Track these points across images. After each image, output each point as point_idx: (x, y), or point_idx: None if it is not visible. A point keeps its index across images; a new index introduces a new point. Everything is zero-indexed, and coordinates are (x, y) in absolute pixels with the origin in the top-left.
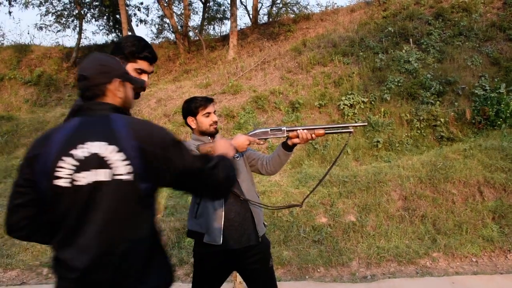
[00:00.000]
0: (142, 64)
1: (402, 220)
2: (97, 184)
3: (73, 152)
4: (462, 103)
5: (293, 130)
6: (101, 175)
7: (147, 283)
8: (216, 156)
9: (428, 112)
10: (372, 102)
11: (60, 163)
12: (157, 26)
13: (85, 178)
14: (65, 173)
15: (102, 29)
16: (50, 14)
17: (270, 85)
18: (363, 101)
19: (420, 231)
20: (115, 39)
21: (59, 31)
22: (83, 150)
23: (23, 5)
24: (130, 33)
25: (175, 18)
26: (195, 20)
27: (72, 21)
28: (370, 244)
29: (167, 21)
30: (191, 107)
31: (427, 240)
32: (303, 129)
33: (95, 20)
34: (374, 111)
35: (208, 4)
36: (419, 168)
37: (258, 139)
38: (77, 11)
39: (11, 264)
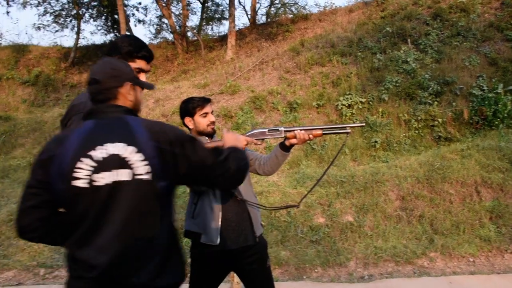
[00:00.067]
0: (141, 64)
1: (399, 220)
2: (117, 184)
3: (91, 153)
4: (459, 103)
5: (290, 131)
6: (122, 175)
7: (163, 281)
8: (227, 148)
9: (426, 112)
10: (370, 102)
11: (78, 164)
12: (155, 26)
13: (104, 178)
14: (83, 173)
15: (100, 29)
16: (48, 14)
17: (268, 85)
18: (361, 101)
19: (417, 231)
20: (113, 39)
21: (57, 31)
22: (102, 151)
23: (21, 5)
24: (128, 33)
25: (173, 18)
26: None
27: (70, 21)
28: (367, 244)
29: (166, 21)
30: (189, 107)
31: (424, 240)
32: (300, 130)
33: (93, 20)
34: (372, 111)
35: (206, 4)
36: (416, 168)
37: (256, 139)
38: (75, 11)
39: (7, 264)
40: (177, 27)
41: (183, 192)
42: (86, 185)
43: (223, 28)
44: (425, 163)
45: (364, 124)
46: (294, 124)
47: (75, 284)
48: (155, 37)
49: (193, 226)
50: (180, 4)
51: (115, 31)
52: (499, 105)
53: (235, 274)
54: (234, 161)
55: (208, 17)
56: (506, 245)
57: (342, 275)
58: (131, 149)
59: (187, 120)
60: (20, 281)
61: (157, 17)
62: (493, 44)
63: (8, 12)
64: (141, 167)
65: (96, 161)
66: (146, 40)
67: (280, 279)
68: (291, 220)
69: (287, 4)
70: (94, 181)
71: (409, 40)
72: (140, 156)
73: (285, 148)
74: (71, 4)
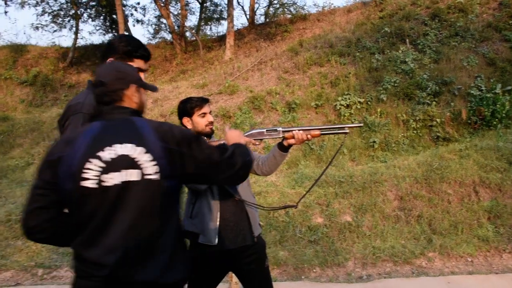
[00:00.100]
0: (139, 63)
1: (398, 220)
2: (126, 184)
3: (100, 154)
4: (458, 104)
5: (288, 131)
6: (132, 175)
7: (170, 277)
8: (231, 145)
9: (424, 113)
10: (369, 103)
11: (87, 165)
12: (154, 26)
13: (113, 178)
14: (92, 174)
15: (99, 29)
16: (46, 14)
17: (266, 85)
18: (359, 102)
19: (415, 231)
20: (109, 40)
21: (55, 31)
22: (110, 152)
23: (19, 4)
24: (125, 33)
25: (172, 18)
26: (192, 20)
27: (69, 21)
28: (366, 244)
29: (164, 21)
30: (187, 107)
31: (422, 240)
32: (298, 130)
33: (92, 20)
34: (371, 112)
35: (205, 4)
36: (415, 168)
37: (254, 139)
38: (73, 11)
39: (5, 265)
40: (176, 27)
41: (181, 192)
42: (95, 186)
43: (222, 28)
44: (423, 163)
45: (362, 125)
46: (292, 124)
47: (83, 284)
48: (153, 37)
49: (191, 226)
50: (179, 4)
51: (114, 31)
52: (497, 105)
53: (233, 274)
54: (239, 157)
55: (206, 17)
56: (504, 245)
57: (340, 275)
58: (140, 149)
59: (185, 120)
60: (18, 282)
61: (155, 17)
62: (491, 45)
63: (6, 12)
64: (150, 167)
65: (104, 162)
66: (144, 40)
67: (278, 279)
68: (289, 220)
69: (286, 4)
70: (103, 181)
71: (407, 40)
72: (148, 157)
73: (283, 148)
74: (69, 4)
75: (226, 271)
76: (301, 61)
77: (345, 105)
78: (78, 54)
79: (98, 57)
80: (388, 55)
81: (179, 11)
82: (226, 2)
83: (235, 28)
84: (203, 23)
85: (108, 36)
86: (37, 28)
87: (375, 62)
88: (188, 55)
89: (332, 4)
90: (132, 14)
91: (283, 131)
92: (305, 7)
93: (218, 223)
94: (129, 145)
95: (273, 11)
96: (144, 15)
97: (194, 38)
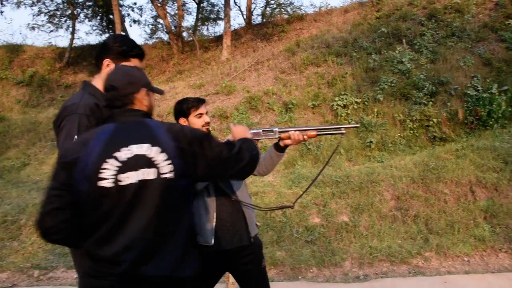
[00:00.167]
0: (135, 62)
1: (394, 220)
2: (143, 183)
3: (117, 154)
4: (454, 104)
5: (285, 131)
6: (149, 174)
7: (182, 272)
8: (238, 140)
9: (421, 113)
10: (365, 103)
11: (104, 165)
12: (150, 26)
13: (130, 178)
14: (109, 174)
15: (96, 29)
16: (42, 14)
17: (263, 85)
18: (356, 102)
19: (412, 231)
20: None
21: (51, 31)
22: (126, 152)
23: (15, 4)
24: (120, 34)
25: (168, 18)
26: (189, 20)
27: (65, 21)
28: (362, 244)
29: (161, 21)
30: (183, 108)
31: (419, 240)
32: (295, 130)
33: (88, 20)
34: (367, 112)
35: (201, 4)
36: (411, 168)
37: None
38: (70, 11)
39: (1, 266)
40: (173, 28)
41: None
42: (112, 185)
43: (219, 28)
44: (420, 163)
45: (358, 125)
46: (289, 125)
47: (96, 284)
48: (150, 37)
49: None
50: (176, 4)
51: (110, 31)
52: (494, 105)
53: (230, 275)
54: (246, 152)
55: (203, 18)
56: (500, 244)
57: (337, 275)
58: (156, 149)
59: (182, 121)
60: (14, 283)
61: (152, 17)
62: (488, 45)
63: (2, 12)
64: (165, 166)
65: (121, 162)
66: (141, 40)
67: (275, 279)
68: (286, 220)
69: (283, 5)
70: (120, 180)
71: (404, 40)
72: (164, 156)
73: (280, 148)
74: (65, 4)
75: (223, 271)
76: (298, 61)
77: (342, 105)
78: (74, 54)
79: (94, 57)
80: (385, 55)
81: (176, 11)
82: (223, 2)
83: (232, 28)
84: (200, 23)
85: (104, 37)
86: (33, 28)
87: (372, 62)
88: (185, 55)
89: (329, 4)
90: (129, 14)
91: (279, 132)
92: (302, 7)
93: (214, 223)
94: (145, 145)
95: (270, 11)
96: (141, 15)
97: (191, 38)
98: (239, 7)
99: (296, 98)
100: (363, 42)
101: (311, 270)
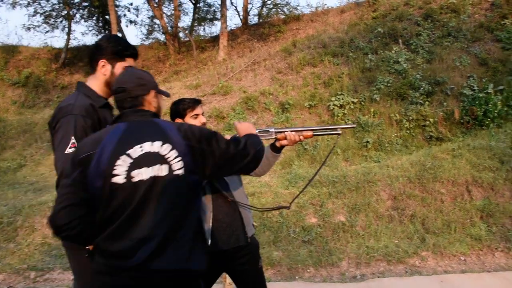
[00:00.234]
0: (130, 62)
1: (391, 219)
2: (155, 179)
3: (130, 151)
4: (450, 103)
5: (281, 132)
6: (161, 170)
7: (192, 266)
8: (243, 136)
9: (417, 112)
10: (362, 103)
11: (117, 162)
12: (147, 27)
13: (142, 174)
14: (122, 170)
15: (92, 30)
16: (38, 15)
17: (260, 85)
18: (352, 102)
19: (409, 230)
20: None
21: (47, 31)
22: (139, 150)
23: (10, 5)
24: (119, 34)
25: (165, 19)
26: (185, 21)
27: (61, 21)
28: (359, 244)
29: (157, 22)
30: (179, 108)
31: (416, 240)
32: (291, 131)
33: (84, 21)
34: (364, 112)
35: (198, 5)
36: (408, 168)
37: None
38: (65, 12)
39: None
40: (169, 28)
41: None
42: (125, 181)
43: (215, 28)
44: (416, 162)
45: (355, 126)
46: (286, 125)
47: (109, 280)
48: (146, 37)
49: None
50: (172, 4)
51: (106, 31)
52: (490, 105)
53: (227, 275)
54: (251, 147)
55: (200, 18)
56: (496, 243)
57: (334, 275)
58: (167, 146)
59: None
60: (10, 284)
61: (148, 17)
62: (483, 45)
63: None
64: (176, 163)
65: (133, 159)
66: (137, 41)
67: (272, 279)
68: (283, 220)
69: (279, 5)
70: (132, 177)
71: (400, 40)
72: (175, 153)
73: (276, 149)
74: (61, 5)
75: (220, 272)
76: (295, 61)
77: (339, 105)
78: (70, 55)
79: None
80: (381, 55)
81: (172, 12)
82: (220, 3)
83: (229, 28)
84: (196, 24)
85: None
86: (28, 28)
87: (368, 62)
88: (182, 56)
89: (326, 4)
90: (125, 15)
91: (275, 132)
92: (298, 7)
93: (211, 224)
94: (158, 143)
95: (267, 11)
96: (137, 16)
97: (188, 39)
98: (235, 7)
99: (292, 98)
100: (360, 42)
101: (308, 270)
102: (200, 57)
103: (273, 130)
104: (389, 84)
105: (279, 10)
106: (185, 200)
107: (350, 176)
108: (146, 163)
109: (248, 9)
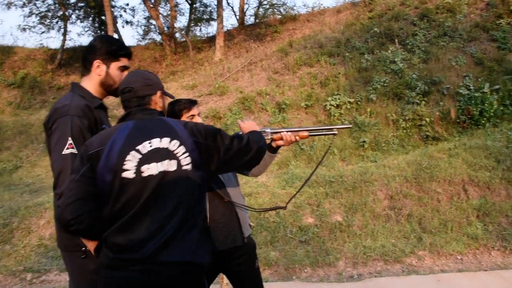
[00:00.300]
0: (124, 61)
1: (388, 219)
2: (165, 174)
3: (139, 147)
4: (447, 103)
5: (277, 132)
6: (170, 165)
7: (199, 259)
8: (246, 133)
9: (414, 112)
10: (358, 103)
11: (127, 157)
12: (143, 27)
13: (151, 169)
14: (132, 165)
15: (87, 30)
16: (33, 15)
17: (256, 86)
18: (349, 102)
19: (406, 230)
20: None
21: (43, 32)
22: (148, 145)
23: (5, 5)
24: (116, 35)
25: (161, 19)
26: (182, 21)
27: (57, 22)
28: (356, 243)
29: (153, 22)
30: (175, 109)
31: (413, 239)
32: (287, 131)
33: (80, 22)
34: (360, 111)
35: (194, 5)
36: (404, 168)
37: None
38: (61, 12)
39: None
40: (165, 28)
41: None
42: (135, 176)
43: (212, 29)
44: (413, 162)
45: (351, 126)
46: (282, 125)
47: (117, 275)
48: (143, 38)
49: None
50: (168, 5)
51: (103, 32)
52: (486, 104)
53: (224, 276)
54: (254, 143)
55: (196, 18)
56: (493, 242)
57: (331, 274)
58: (175, 142)
59: None
60: (6, 286)
61: (145, 18)
62: (479, 44)
63: None
64: (185, 159)
65: (143, 154)
66: (134, 42)
67: (269, 279)
68: (280, 220)
69: (275, 5)
70: (142, 172)
71: (396, 40)
72: (183, 149)
73: (272, 149)
74: (57, 5)
75: (217, 272)
76: (291, 61)
77: (335, 105)
78: (66, 55)
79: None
80: (377, 55)
81: (169, 12)
82: (216, 3)
83: (225, 29)
84: (192, 24)
85: None
86: (24, 29)
87: (365, 62)
88: (178, 56)
89: (322, 4)
90: (121, 15)
91: (271, 133)
92: (294, 7)
93: (207, 224)
94: (166, 139)
95: (263, 11)
96: (133, 16)
97: (184, 39)
98: (232, 7)
99: (289, 98)
100: (356, 42)
101: (305, 270)
102: (197, 57)
103: (269, 130)
104: (385, 84)
105: (275, 10)
106: (192, 195)
107: (347, 176)
108: (155, 159)
109: (245, 10)
